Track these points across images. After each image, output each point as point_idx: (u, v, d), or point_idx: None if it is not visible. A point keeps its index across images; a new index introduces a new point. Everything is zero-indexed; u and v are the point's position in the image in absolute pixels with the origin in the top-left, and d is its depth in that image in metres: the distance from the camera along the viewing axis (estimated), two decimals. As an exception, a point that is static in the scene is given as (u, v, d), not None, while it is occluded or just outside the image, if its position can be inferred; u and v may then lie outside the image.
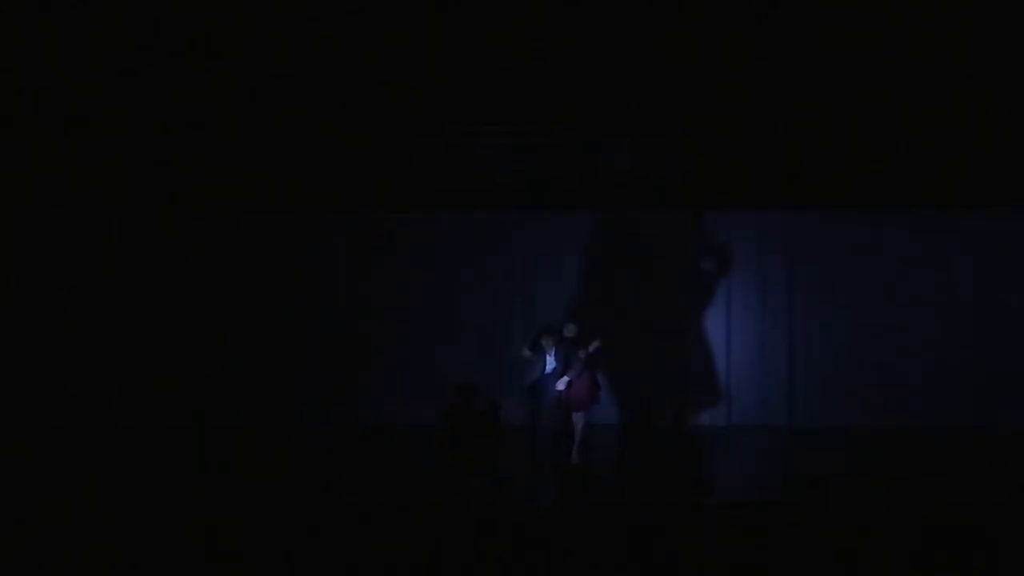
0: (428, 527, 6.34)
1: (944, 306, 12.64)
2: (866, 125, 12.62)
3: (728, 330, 12.94)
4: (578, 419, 10.91)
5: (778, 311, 12.91)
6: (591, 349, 10.91)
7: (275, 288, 12.96)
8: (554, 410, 10.87)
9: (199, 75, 12.54)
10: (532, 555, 6.02)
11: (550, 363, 10.93)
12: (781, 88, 12.48)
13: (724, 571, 5.96)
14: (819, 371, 12.76)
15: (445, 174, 12.99)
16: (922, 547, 6.11)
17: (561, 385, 10.78)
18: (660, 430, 12.73)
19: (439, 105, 12.68)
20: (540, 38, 12.23)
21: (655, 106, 12.55)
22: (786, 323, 12.90)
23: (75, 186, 12.69)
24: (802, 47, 12.28)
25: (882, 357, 12.63)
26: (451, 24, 12.24)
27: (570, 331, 10.98)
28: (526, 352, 10.99)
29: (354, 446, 11.93)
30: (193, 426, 12.66)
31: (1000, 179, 12.50)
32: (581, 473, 6.17)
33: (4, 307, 12.76)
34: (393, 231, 13.02)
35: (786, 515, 6.39)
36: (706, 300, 12.93)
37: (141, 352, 12.87)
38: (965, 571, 6.06)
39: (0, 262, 12.78)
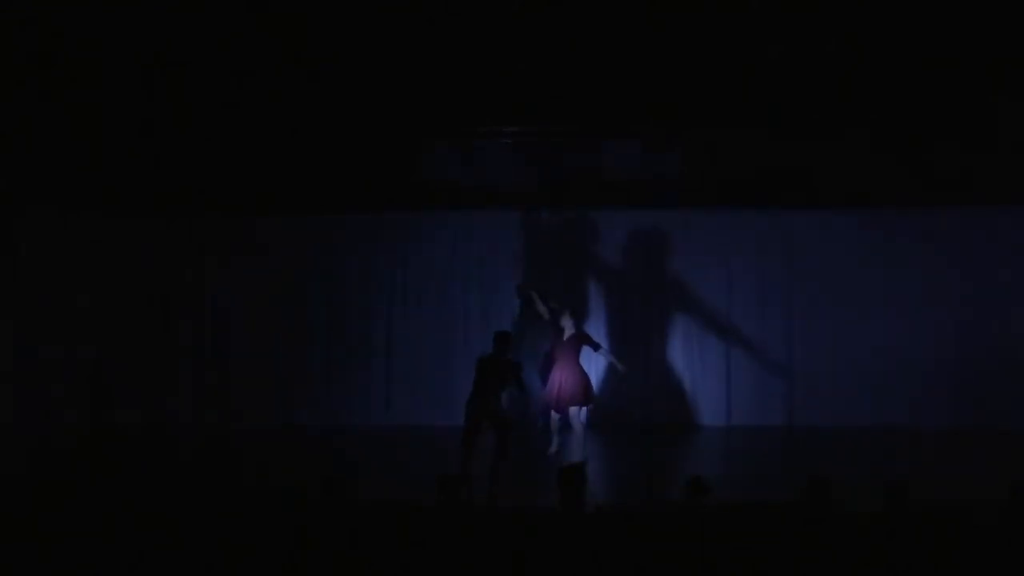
0: (430, 526, 6.34)
1: (943, 306, 12.64)
2: (866, 124, 12.62)
3: (728, 330, 12.94)
4: (574, 414, 10.90)
5: (778, 311, 12.91)
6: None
7: (274, 288, 13.00)
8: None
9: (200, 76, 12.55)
10: (531, 555, 6.02)
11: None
12: (781, 87, 12.47)
13: (723, 571, 5.96)
14: (819, 371, 12.76)
15: (446, 174, 13.00)
16: (921, 547, 6.11)
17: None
18: (659, 430, 12.75)
19: (438, 105, 12.68)
20: (540, 37, 12.22)
21: (655, 106, 12.55)
22: (786, 323, 12.90)
23: (72, 187, 12.70)
24: (802, 47, 12.28)
25: (882, 357, 12.63)
26: (451, 23, 12.23)
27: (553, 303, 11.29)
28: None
29: (361, 447, 11.91)
30: (193, 426, 12.68)
31: (1003, 179, 12.50)
32: (579, 472, 6.17)
33: (4, 307, 12.80)
34: (392, 231, 13.05)
35: (786, 515, 6.39)
36: (706, 299, 12.94)
37: (138, 352, 12.92)
38: (964, 571, 6.06)
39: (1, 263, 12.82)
